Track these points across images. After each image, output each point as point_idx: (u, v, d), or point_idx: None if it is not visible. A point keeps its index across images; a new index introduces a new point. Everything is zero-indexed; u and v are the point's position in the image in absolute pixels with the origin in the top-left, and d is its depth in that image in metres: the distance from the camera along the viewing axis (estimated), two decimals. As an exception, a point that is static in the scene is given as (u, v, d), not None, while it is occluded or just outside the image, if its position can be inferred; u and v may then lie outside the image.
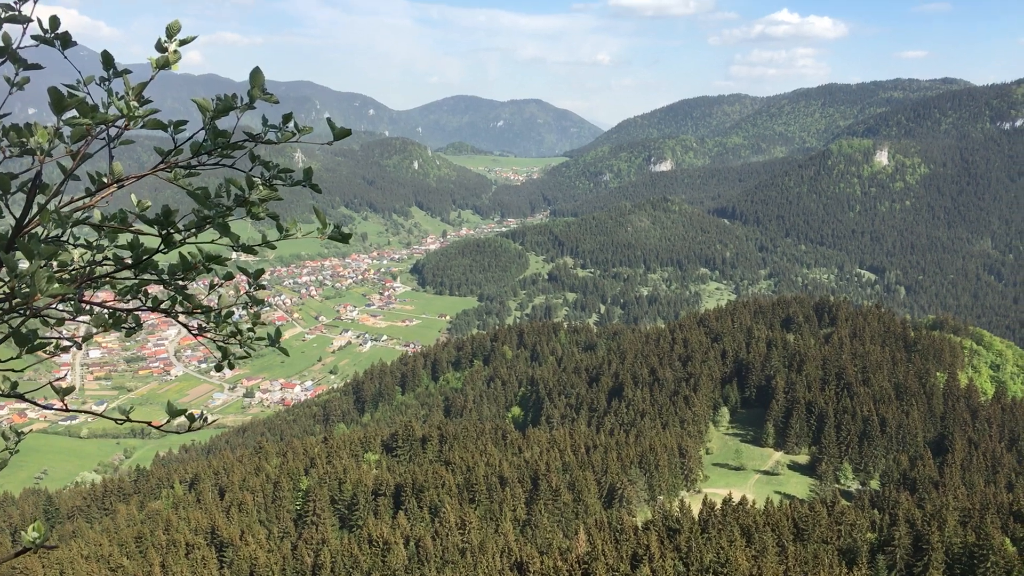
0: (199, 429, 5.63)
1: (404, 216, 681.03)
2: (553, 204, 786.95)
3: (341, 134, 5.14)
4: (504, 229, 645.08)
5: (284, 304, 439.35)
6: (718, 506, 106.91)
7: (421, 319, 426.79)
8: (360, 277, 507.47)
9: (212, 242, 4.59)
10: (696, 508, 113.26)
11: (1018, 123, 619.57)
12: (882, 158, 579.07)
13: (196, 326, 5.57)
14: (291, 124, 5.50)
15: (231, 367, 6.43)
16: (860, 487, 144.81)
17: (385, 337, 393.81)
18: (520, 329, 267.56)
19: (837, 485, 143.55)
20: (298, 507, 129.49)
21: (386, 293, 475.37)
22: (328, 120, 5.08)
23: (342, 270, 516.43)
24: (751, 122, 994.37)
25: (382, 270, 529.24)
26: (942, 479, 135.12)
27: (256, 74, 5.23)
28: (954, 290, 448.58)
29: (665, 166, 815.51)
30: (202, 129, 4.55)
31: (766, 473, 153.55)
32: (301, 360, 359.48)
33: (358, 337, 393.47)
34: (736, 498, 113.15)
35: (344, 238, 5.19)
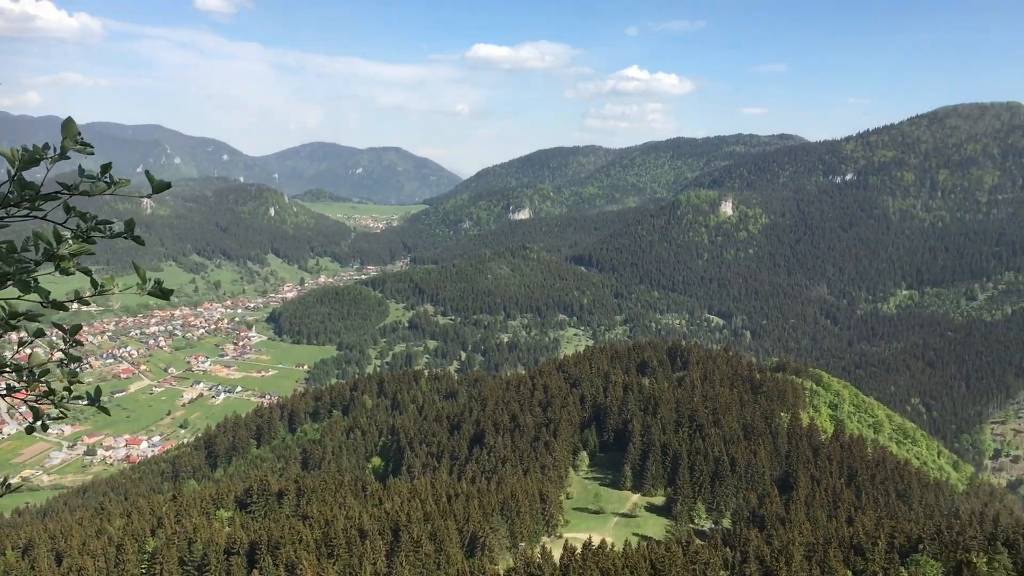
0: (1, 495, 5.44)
1: (260, 264, 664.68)
2: (413, 252, 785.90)
3: (160, 187, 5.54)
4: (364, 277, 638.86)
5: (130, 356, 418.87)
6: (578, 551, 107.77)
7: (278, 369, 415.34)
8: (213, 327, 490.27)
9: (19, 297, 4.42)
10: (557, 554, 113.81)
11: (848, 177, 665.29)
12: (727, 208, 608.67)
13: (4, 386, 5.34)
14: (108, 175, 4.67)
15: (44, 429, 5.98)
16: (713, 526, 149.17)
17: (239, 388, 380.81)
18: (380, 378, 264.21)
19: (692, 525, 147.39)
20: (143, 570, 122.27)
21: (241, 343, 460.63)
22: (147, 173, 4.81)
23: (194, 320, 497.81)
24: (605, 173, 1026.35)
25: (237, 319, 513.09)
26: (788, 515, 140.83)
27: (68, 124, 4.88)
28: (795, 334, 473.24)
29: (524, 214, 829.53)
30: (7, 181, 4.41)
31: (625, 516, 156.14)
32: (148, 414, 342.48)
33: (210, 389, 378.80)
34: (596, 542, 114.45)
35: (164, 295, 4.91)
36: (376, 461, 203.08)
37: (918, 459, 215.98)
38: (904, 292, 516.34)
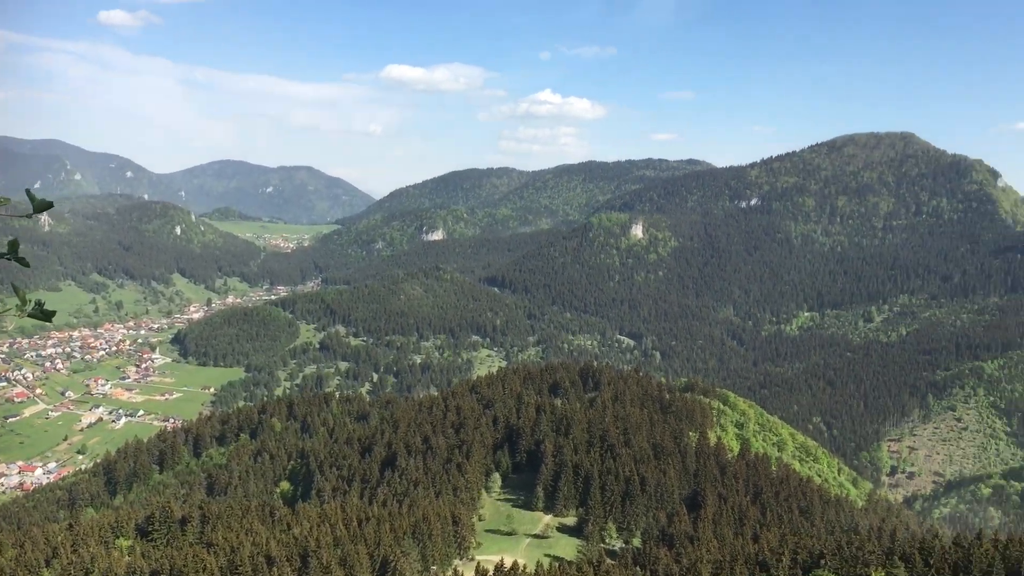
0: None
1: (165, 284, 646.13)
2: (325, 272, 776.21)
3: (41, 206, 4.73)
4: (274, 297, 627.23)
5: (25, 379, 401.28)
6: (490, 573, 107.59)
7: (183, 392, 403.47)
8: (114, 349, 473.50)
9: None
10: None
11: (753, 202, 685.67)
12: (637, 231, 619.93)
13: None
14: None
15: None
16: (623, 545, 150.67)
17: (142, 412, 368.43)
18: (290, 400, 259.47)
19: (603, 545, 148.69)
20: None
21: (144, 365, 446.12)
22: (27, 191, 4.70)
23: (93, 341, 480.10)
24: (519, 195, 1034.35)
25: (140, 341, 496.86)
26: (696, 533, 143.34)
27: None
28: (703, 354, 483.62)
29: (437, 235, 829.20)
30: None
31: (537, 537, 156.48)
32: (44, 440, 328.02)
33: (111, 413, 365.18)
34: (508, 564, 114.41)
35: (46, 316, 4.75)
36: (285, 485, 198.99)
37: (820, 476, 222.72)
38: (806, 314, 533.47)
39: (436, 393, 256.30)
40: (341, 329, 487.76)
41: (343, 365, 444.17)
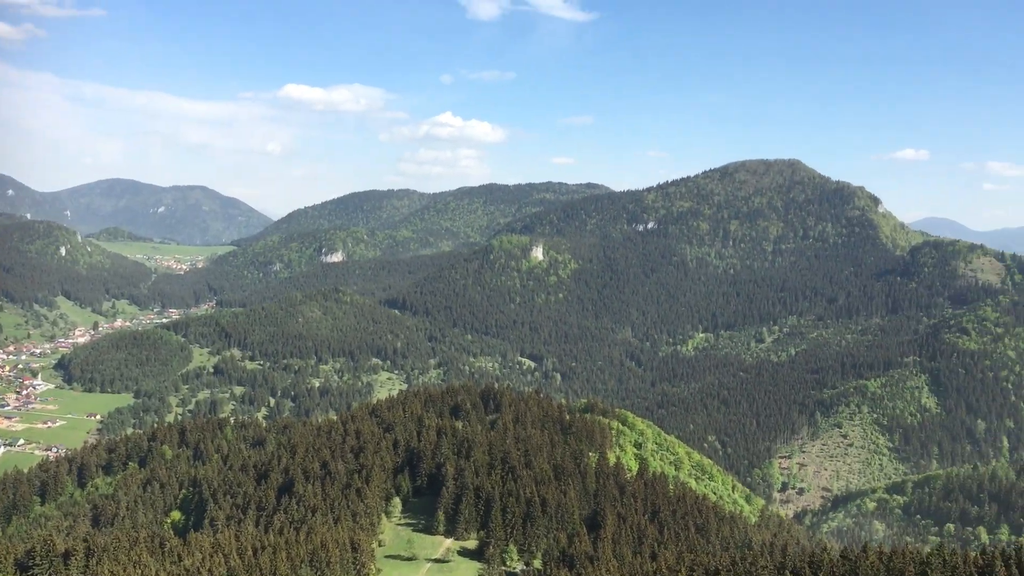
0: None
1: (48, 307, 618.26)
2: (220, 294, 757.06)
3: None
4: (165, 320, 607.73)
5: None
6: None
7: (67, 419, 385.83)
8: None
9: None
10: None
11: (650, 225, 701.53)
12: (538, 254, 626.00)
13: None
14: None
15: None
16: (525, 567, 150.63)
17: (22, 441, 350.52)
18: (182, 426, 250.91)
19: (504, 567, 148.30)
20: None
21: (24, 392, 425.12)
22: None
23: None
24: (419, 217, 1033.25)
25: (20, 366, 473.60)
26: (596, 553, 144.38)
27: None
28: (602, 375, 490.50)
29: (336, 257, 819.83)
30: None
31: (438, 561, 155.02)
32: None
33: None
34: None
35: None
36: (176, 515, 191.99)
37: (715, 494, 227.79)
38: (701, 335, 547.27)
39: (335, 417, 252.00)
40: (236, 352, 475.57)
41: (238, 390, 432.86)
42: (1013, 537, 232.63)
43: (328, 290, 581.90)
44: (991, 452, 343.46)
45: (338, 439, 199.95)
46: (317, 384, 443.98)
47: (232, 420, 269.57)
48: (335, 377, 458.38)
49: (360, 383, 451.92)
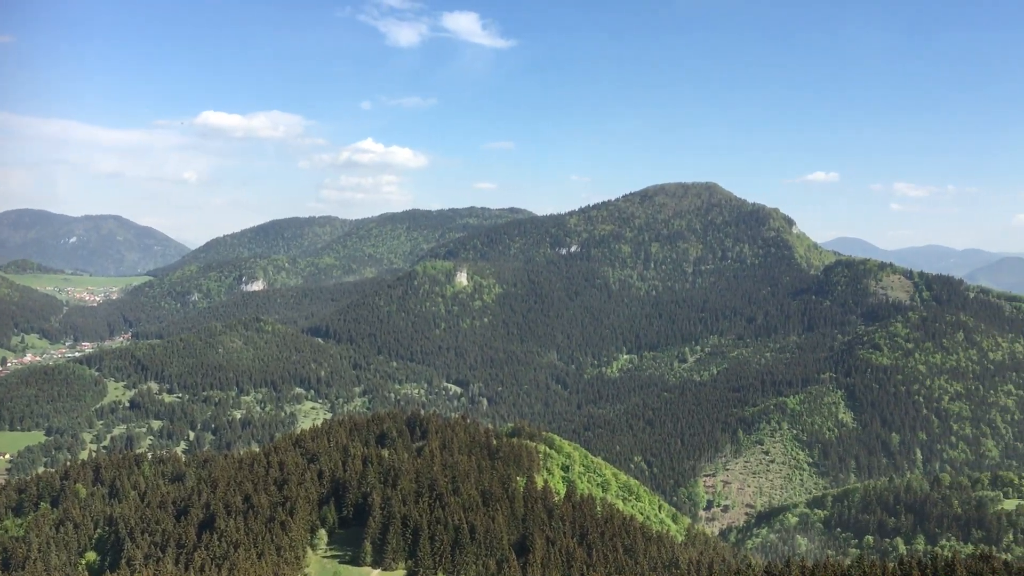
0: None
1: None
2: (136, 326, 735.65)
3: None
4: (78, 354, 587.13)
5: None
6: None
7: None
8: None
9: None
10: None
11: (573, 249, 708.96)
12: (462, 279, 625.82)
13: None
14: None
15: None
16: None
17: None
18: (97, 463, 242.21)
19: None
20: None
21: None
22: None
23: None
24: (342, 243, 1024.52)
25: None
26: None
27: None
28: (529, 399, 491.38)
29: (257, 286, 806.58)
30: None
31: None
32: None
33: None
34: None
35: None
36: (91, 556, 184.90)
37: (642, 514, 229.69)
38: (625, 356, 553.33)
39: (258, 449, 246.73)
40: (154, 386, 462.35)
41: (156, 424, 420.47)
42: (929, 546, 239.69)
43: (249, 319, 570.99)
44: (906, 464, 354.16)
45: (261, 471, 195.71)
46: (238, 416, 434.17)
47: (149, 455, 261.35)
48: (257, 408, 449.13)
49: (283, 414, 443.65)
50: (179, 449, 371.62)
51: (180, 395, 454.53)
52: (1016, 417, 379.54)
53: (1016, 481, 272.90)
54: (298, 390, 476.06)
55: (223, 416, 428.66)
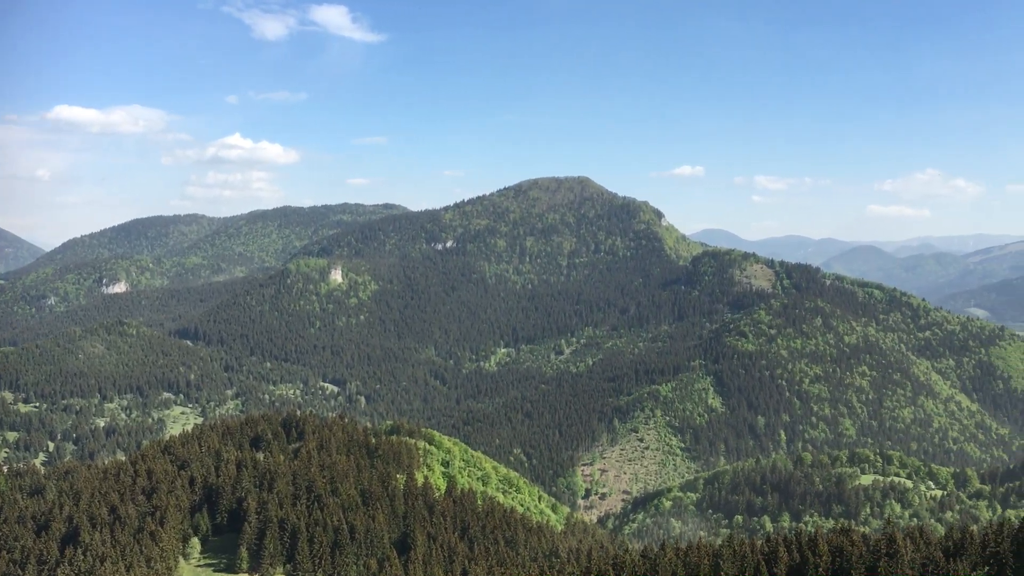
0: None
1: None
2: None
3: None
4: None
5: None
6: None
7: None
8: None
9: None
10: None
11: (449, 244, 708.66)
12: (337, 276, 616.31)
13: None
14: None
15: None
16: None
17: None
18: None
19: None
20: None
21: None
22: None
23: None
24: (210, 242, 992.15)
25: None
26: (408, 575, 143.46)
27: None
28: (407, 396, 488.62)
29: (120, 288, 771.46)
30: None
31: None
32: None
33: None
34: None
35: None
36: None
37: (522, 506, 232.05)
38: (503, 350, 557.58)
39: (124, 458, 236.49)
40: (8, 395, 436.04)
41: (11, 435, 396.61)
42: (793, 523, 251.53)
43: (111, 323, 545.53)
44: (771, 445, 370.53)
45: (128, 481, 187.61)
46: (102, 424, 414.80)
47: (5, 469, 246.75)
48: (122, 415, 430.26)
49: (151, 420, 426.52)
50: (37, 461, 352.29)
51: (37, 404, 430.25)
52: (870, 397, 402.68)
53: (872, 457, 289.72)
54: (166, 395, 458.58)
55: (85, 425, 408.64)
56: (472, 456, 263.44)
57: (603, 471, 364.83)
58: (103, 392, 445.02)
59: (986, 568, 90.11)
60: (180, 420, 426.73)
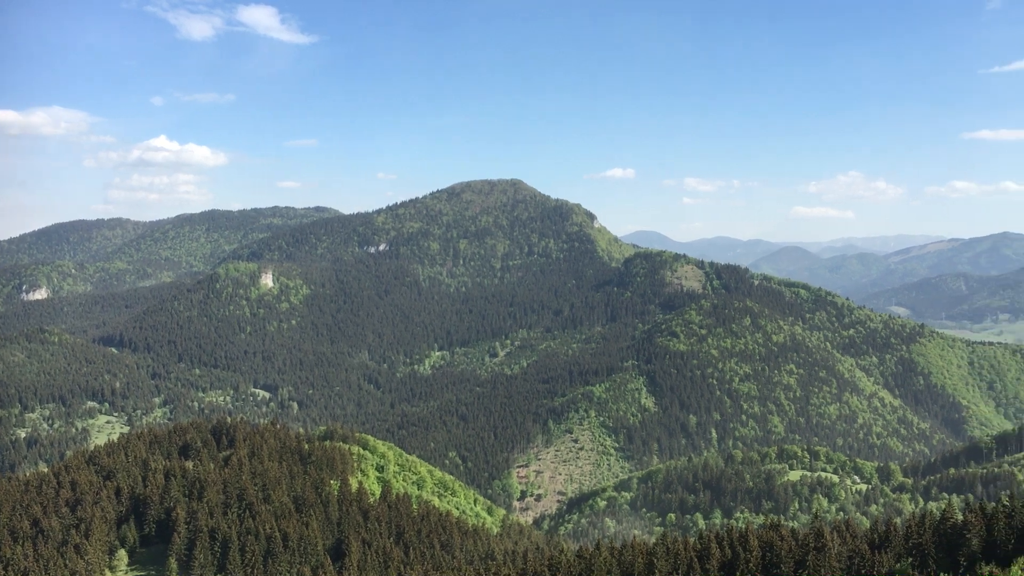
0: None
1: None
2: None
3: None
4: None
5: None
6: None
7: None
8: None
9: None
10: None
11: (382, 247, 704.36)
12: (267, 280, 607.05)
13: None
14: None
15: None
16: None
17: None
18: None
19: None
20: None
21: None
22: None
23: None
24: (135, 247, 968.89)
25: None
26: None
27: None
28: (341, 401, 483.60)
29: (40, 294, 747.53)
30: None
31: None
32: None
33: None
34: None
35: None
36: None
37: (458, 509, 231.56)
38: (437, 353, 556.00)
39: (46, 469, 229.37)
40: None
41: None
42: (725, 520, 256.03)
43: (32, 331, 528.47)
44: (703, 444, 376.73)
45: (51, 493, 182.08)
46: (23, 435, 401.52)
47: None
48: (44, 425, 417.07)
49: (74, 430, 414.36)
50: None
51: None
52: (797, 394, 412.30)
53: (799, 453, 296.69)
54: (90, 404, 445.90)
55: (5, 436, 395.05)
56: (407, 460, 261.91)
57: (538, 472, 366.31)
58: (24, 402, 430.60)
59: (909, 559, 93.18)
60: (105, 430, 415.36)
